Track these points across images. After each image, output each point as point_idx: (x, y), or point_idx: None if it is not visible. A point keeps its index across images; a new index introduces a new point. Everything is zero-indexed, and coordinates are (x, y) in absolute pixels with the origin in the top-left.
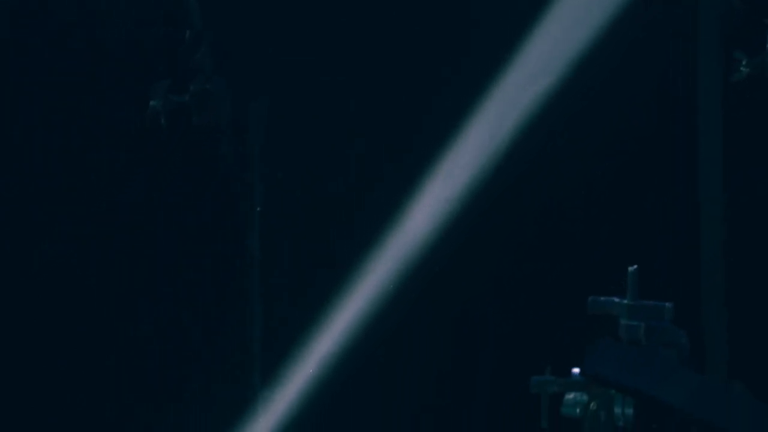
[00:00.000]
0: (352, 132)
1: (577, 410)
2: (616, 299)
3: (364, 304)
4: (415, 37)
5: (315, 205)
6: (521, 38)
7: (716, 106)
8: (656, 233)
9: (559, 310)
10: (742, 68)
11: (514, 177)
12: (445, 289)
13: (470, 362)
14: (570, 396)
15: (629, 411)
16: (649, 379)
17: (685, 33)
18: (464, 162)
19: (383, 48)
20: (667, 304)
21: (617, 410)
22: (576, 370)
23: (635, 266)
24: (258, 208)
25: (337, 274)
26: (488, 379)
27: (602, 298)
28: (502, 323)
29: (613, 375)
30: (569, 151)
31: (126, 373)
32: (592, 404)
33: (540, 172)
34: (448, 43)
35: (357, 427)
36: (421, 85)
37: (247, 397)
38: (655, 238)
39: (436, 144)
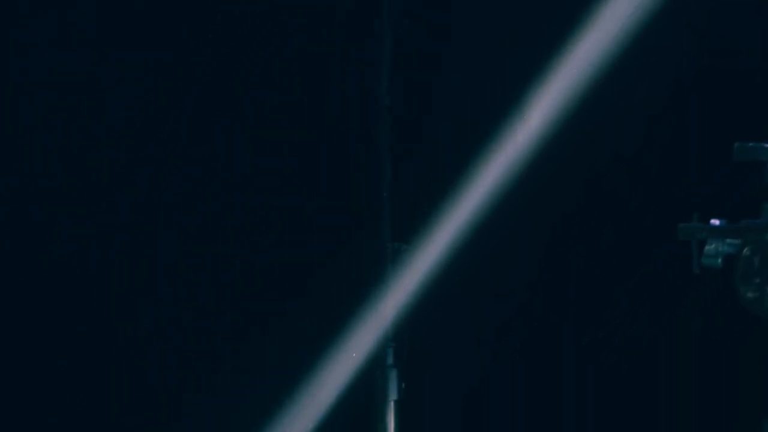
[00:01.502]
0: None
1: (719, 260)
2: (766, 144)
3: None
4: None
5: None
6: None
7: None
8: None
9: (703, 157)
10: None
11: None
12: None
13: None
14: (711, 246)
15: None
16: None
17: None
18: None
19: None
20: None
21: None
22: (716, 221)
23: None
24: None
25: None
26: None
27: (750, 144)
28: (640, 169)
29: None
30: None
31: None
32: (746, 249)
33: None
34: None
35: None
36: None
37: (377, 253)
38: None
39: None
